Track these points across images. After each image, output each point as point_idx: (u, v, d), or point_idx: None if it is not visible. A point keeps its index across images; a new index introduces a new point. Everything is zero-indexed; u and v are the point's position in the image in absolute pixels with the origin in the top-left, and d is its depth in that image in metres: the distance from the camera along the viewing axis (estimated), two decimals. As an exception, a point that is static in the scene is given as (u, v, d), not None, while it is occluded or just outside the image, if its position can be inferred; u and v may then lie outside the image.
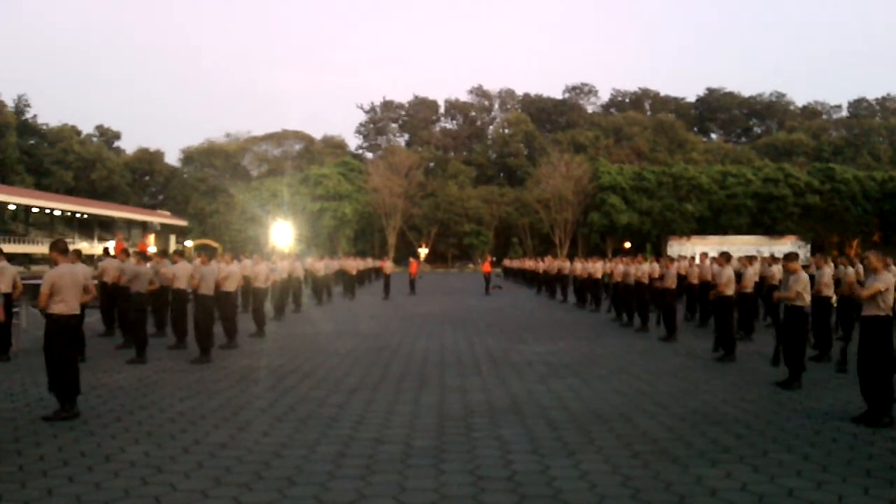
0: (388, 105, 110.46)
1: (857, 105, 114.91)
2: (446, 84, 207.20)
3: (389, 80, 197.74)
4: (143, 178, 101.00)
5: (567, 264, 29.45)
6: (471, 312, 21.81)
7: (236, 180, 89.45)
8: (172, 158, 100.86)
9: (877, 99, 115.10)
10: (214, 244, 59.58)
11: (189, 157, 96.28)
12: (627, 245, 71.06)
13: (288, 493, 5.02)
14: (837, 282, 13.36)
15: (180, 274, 12.41)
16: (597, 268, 22.48)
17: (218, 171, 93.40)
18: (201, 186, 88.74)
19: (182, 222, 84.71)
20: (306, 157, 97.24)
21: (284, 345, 13.52)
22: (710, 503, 4.83)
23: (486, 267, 34.93)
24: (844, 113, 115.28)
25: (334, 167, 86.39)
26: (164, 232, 79.18)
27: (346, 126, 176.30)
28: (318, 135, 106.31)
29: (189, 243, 70.32)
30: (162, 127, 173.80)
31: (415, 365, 11.00)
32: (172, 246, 70.10)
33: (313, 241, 73.42)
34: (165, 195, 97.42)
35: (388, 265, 32.32)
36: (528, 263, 42.25)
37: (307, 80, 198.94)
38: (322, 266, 26.28)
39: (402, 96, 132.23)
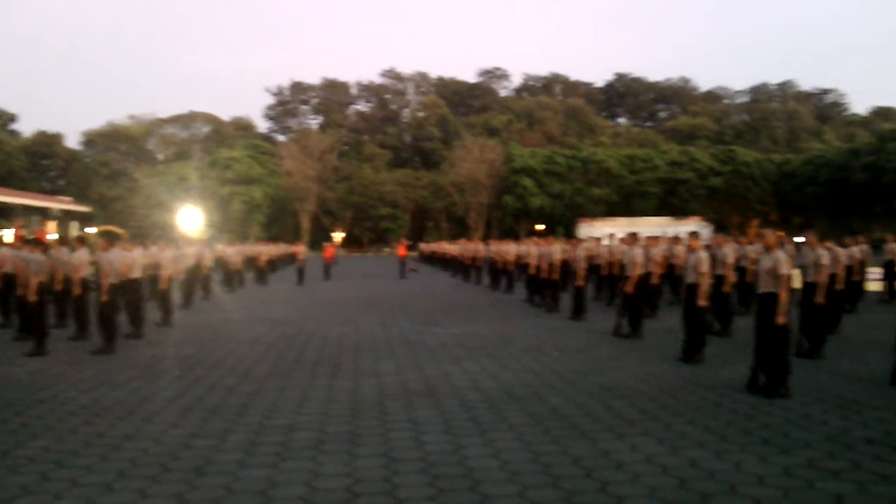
0: (297, 87, 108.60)
1: (759, 90, 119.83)
2: (357, 66, 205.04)
3: (298, 61, 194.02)
4: (41, 163, 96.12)
5: (481, 247, 29.78)
6: (386, 296, 21.79)
7: (141, 164, 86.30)
8: (73, 142, 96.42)
9: (777, 84, 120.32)
10: (119, 231, 57.40)
11: (91, 140, 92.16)
12: (541, 227, 72.27)
13: (197, 484, 4.92)
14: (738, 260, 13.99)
15: (81, 262, 11.92)
16: (510, 250, 22.77)
17: (122, 154, 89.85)
18: (104, 171, 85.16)
19: (84, 208, 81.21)
20: (215, 139, 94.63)
21: (193, 333, 13.19)
22: (616, 476, 4.98)
23: (402, 251, 34.94)
24: (746, 98, 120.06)
25: (244, 150, 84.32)
26: (65, 218, 75.77)
27: (255, 108, 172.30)
28: (226, 117, 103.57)
29: (92, 230, 67.54)
30: (62, 109, 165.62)
31: (329, 351, 10.92)
32: (74, 233, 67.22)
33: (223, 226, 71.70)
34: (66, 180, 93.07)
35: (301, 250, 31.90)
36: (445, 247, 42.46)
37: (215, 61, 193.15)
38: (232, 252, 25.74)
39: (312, 78, 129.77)
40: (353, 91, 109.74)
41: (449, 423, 6.43)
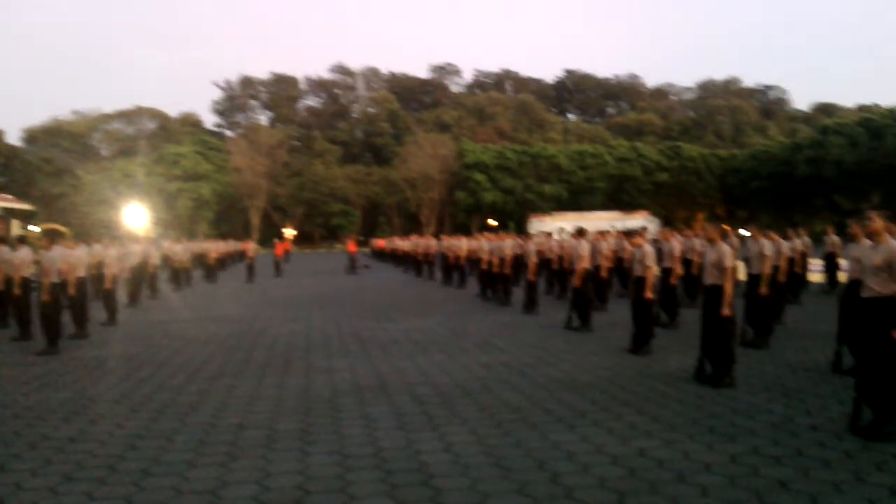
0: (246, 82, 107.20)
1: (704, 87, 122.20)
2: (306, 61, 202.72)
3: (246, 55, 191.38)
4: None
5: (434, 242, 29.80)
6: (338, 293, 21.65)
7: (86, 161, 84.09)
8: (14, 138, 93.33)
9: (722, 81, 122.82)
10: (62, 229, 55.92)
11: (33, 136, 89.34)
12: (493, 223, 72.61)
13: (144, 485, 4.82)
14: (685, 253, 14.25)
15: (23, 261, 11.58)
16: (462, 246, 22.83)
17: (65, 151, 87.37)
18: (47, 168, 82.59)
19: (26, 206, 78.84)
20: (161, 135, 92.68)
21: (139, 332, 12.92)
22: (567, 467, 5.04)
23: (351, 247, 34.70)
24: (692, 94, 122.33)
25: (192, 146, 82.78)
26: (6, 217, 73.45)
27: (203, 103, 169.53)
28: (173, 112, 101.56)
29: (35, 228, 65.66)
30: (1, 105, 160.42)
31: (280, 349, 10.80)
32: (16, 231, 65.25)
33: (171, 223, 70.42)
34: (7, 177, 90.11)
35: (251, 247, 31.50)
36: (397, 242, 42.37)
37: (160, 55, 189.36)
38: (180, 250, 25.28)
39: (261, 73, 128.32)
40: (303, 86, 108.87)
41: (401, 419, 6.42)
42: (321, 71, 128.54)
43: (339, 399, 7.27)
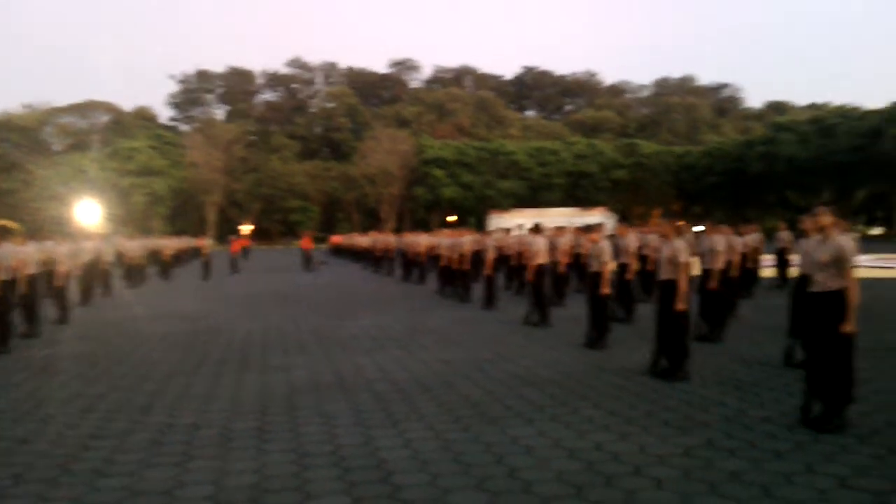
0: (202, 75, 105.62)
1: (661, 84, 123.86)
2: (263, 55, 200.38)
3: (203, 49, 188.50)
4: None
5: (393, 239, 29.72)
6: (296, 290, 21.48)
7: (36, 155, 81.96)
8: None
9: (678, 79, 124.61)
10: (13, 225, 54.51)
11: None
12: (452, 218, 72.72)
13: (98, 486, 4.73)
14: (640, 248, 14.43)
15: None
16: (421, 242, 22.81)
17: (15, 145, 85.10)
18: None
19: (-27, 202, 76.73)
20: (115, 129, 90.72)
21: (92, 331, 12.65)
22: (525, 461, 5.07)
23: (307, 243, 34.38)
24: (648, 92, 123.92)
25: (146, 141, 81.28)
26: (-47, 213, 71.35)
27: (158, 97, 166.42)
28: (127, 106, 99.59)
29: (-18, 225, 63.84)
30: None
31: (236, 346, 10.67)
32: (-39, 228, 63.32)
33: (124, 219, 69.09)
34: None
35: (206, 244, 31.05)
36: (356, 239, 42.17)
37: (114, 48, 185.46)
38: (133, 246, 24.82)
39: (217, 66, 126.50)
40: (260, 80, 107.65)
41: (360, 416, 6.39)
42: (278, 65, 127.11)
43: (297, 397, 7.21)
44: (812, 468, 4.82)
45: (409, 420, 6.20)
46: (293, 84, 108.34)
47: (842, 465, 4.88)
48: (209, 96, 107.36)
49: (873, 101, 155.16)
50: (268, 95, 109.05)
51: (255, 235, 78.88)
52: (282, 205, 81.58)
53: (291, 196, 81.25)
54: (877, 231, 73.50)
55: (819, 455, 5.08)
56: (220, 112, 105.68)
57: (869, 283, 17.72)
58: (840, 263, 5.72)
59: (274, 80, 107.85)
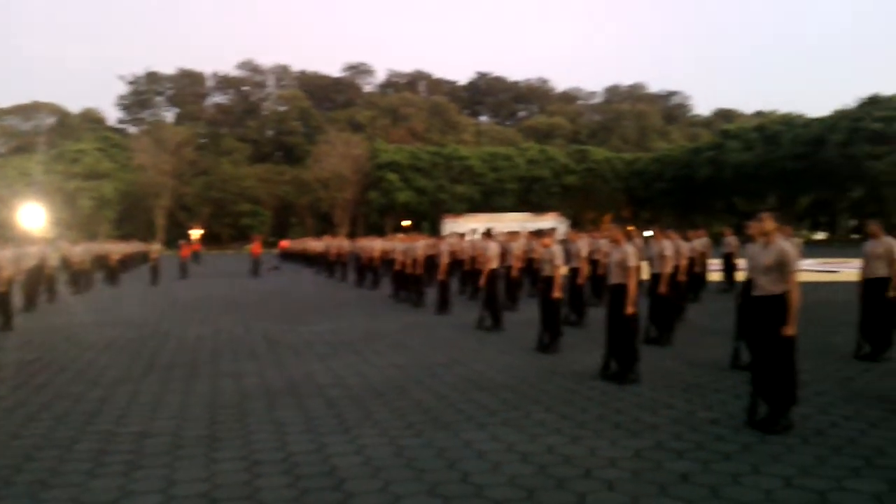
0: (152, 77, 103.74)
1: (611, 92, 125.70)
2: (214, 57, 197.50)
3: (152, 51, 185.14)
4: None
5: (347, 243, 29.57)
6: (247, 295, 21.22)
7: (-23, 158, 79.67)
8: None
9: (628, 86, 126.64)
10: (-49, 229, 52.78)
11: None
12: (406, 223, 72.63)
13: (42, 497, 4.60)
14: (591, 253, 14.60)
15: None
16: (375, 246, 22.74)
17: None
18: (-65, 165, 77.97)
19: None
20: (61, 131, 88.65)
21: (36, 338, 12.30)
22: (478, 466, 5.08)
23: (257, 248, 33.91)
24: (599, 99, 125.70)
25: (93, 143, 79.48)
26: None
27: (106, 99, 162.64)
28: (74, 108, 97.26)
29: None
30: None
31: (185, 353, 10.48)
32: None
33: (70, 224, 67.40)
34: None
35: (155, 248, 30.48)
36: (309, 243, 41.83)
37: (61, 48, 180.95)
38: (79, 251, 24.24)
39: (167, 68, 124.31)
40: (210, 83, 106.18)
41: (312, 422, 6.33)
42: (229, 67, 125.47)
43: (248, 404, 7.11)
44: (758, 469, 4.92)
45: (362, 426, 6.17)
46: (244, 87, 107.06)
47: (787, 465, 4.99)
48: (159, 98, 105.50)
49: (817, 109, 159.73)
50: (218, 98, 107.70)
51: (205, 240, 77.66)
52: (232, 209, 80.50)
53: (242, 200, 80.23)
54: (820, 236, 75.62)
55: (765, 456, 5.19)
56: (169, 114, 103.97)
57: (813, 287, 18.21)
58: (782, 268, 5.86)
59: (225, 82, 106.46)
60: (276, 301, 18.95)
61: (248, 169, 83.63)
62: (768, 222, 6.11)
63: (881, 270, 8.78)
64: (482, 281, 12.28)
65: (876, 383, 7.44)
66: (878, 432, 5.69)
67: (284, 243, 54.27)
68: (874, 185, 58.01)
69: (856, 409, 6.42)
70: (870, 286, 8.89)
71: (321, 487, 4.71)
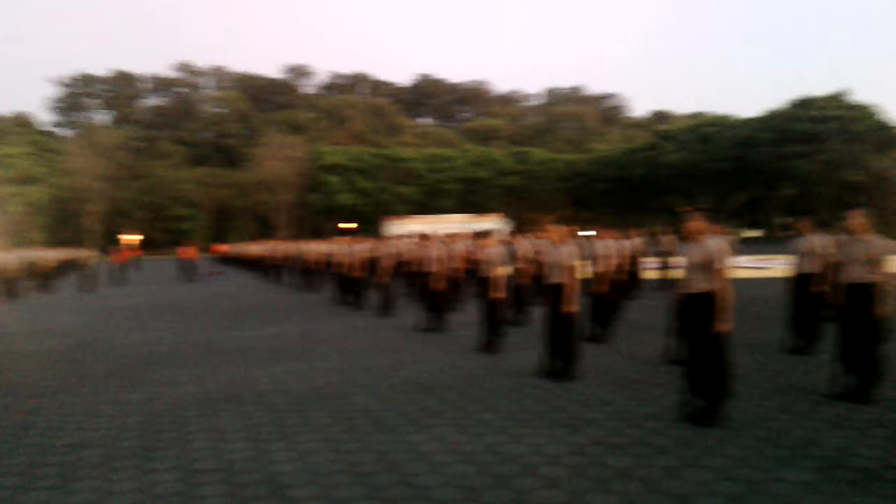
0: (85, 78, 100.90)
1: (551, 94, 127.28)
2: (149, 58, 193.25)
3: (86, 52, 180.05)
4: None
5: (287, 247, 29.24)
6: (185, 301, 20.78)
7: None
8: None
9: (567, 88, 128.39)
10: None
11: None
12: (349, 226, 72.18)
13: (-36, 517, 4.43)
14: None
15: None
16: (316, 250, 22.55)
17: None
18: None
19: None
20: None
21: (-38, 350, 11.84)
22: (420, 467, 5.08)
23: (191, 252, 33.20)
24: (539, 101, 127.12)
25: (24, 147, 76.83)
26: None
27: (37, 102, 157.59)
28: (3, 110, 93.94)
29: None
30: None
31: (120, 361, 10.21)
32: None
33: (0, 230, 65.01)
34: None
35: (89, 255, 29.64)
36: (248, 247, 41.22)
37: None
38: (10, 258, 23.41)
39: (101, 70, 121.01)
40: (146, 84, 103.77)
41: (252, 429, 6.24)
42: (165, 69, 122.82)
43: (185, 412, 6.97)
44: (694, 462, 5.04)
45: (303, 431, 6.11)
46: (181, 88, 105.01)
47: (722, 457, 5.12)
48: (92, 101, 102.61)
49: (749, 110, 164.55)
50: (154, 100, 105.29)
51: (141, 245, 75.82)
52: (169, 213, 78.81)
53: (180, 204, 78.62)
54: (753, 234, 77.83)
55: (700, 448, 5.32)
56: (103, 117, 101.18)
57: (746, 284, 18.74)
58: (712, 265, 6.02)
59: (161, 83, 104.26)
60: (216, 306, 18.61)
61: (185, 172, 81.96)
62: (695, 222, 6.27)
63: (810, 266, 9.09)
64: (425, 282, 12.29)
65: (806, 376, 7.69)
66: (808, 423, 5.89)
67: (219, 248, 53.18)
68: (804, 183, 60.03)
69: (787, 401, 6.63)
70: (799, 281, 9.19)
71: (261, 495, 4.65)
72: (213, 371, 9.19)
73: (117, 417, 6.84)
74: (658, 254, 19.11)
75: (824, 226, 11.48)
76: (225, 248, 51.81)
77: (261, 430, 6.19)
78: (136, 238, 73.96)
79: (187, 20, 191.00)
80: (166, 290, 26.22)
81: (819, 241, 9.14)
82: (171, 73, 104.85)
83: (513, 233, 15.18)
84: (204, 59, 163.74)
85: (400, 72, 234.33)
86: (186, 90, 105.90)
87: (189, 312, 17.21)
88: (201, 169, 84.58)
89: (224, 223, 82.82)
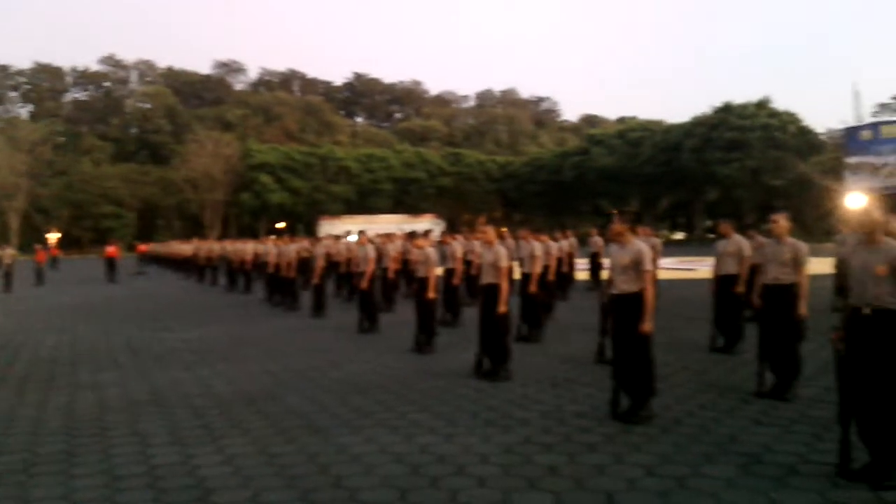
0: (4, 71, 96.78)
1: (484, 96, 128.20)
2: (73, 51, 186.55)
3: (5, 43, 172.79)
4: None
5: (217, 246, 28.69)
6: (109, 302, 20.18)
7: None
8: None
9: (500, 91, 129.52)
10: None
11: None
12: (281, 225, 71.20)
13: None
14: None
15: None
16: (247, 249, 22.19)
17: None
18: None
19: None
20: None
21: None
22: (351, 469, 5.05)
23: (113, 251, 32.16)
24: (473, 103, 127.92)
25: (-64, 142, 73.33)
26: None
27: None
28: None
29: None
30: None
31: (41, 364, 9.85)
32: None
33: None
34: None
35: (8, 253, 28.45)
36: (176, 246, 40.24)
37: None
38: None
39: (21, 62, 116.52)
40: (69, 78, 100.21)
41: (178, 433, 6.09)
42: (90, 62, 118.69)
43: (108, 416, 6.76)
44: (621, 459, 5.15)
45: (231, 435, 6.00)
46: (106, 82, 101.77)
47: (647, 454, 5.24)
48: (12, 94, 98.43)
49: (676, 116, 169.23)
50: (78, 94, 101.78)
51: (64, 244, 73.15)
52: (94, 211, 76.15)
53: (104, 202, 76.05)
54: (679, 236, 79.98)
55: (627, 446, 5.44)
56: (24, 111, 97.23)
57: (672, 284, 19.25)
58: (638, 267, 6.16)
59: (85, 77, 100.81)
60: (141, 307, 18.12)
61: (110, 169, 79.36)
62: (619, 224, 6.42)
63: (732, 268, 9.40)
64: (358, 282, 12.21)
65: (729, 374, 7.95)
66: (731, 420, 6.08)
67: (143, 247, 51.63)
68: (726, 187, 61.99)
69: (711, 399, 6.83)
70: (722, 282, 9.49)
71: (187, 500, 4.55)
72: (137, 374, 8.95)
73: (38, 422, 6.59)
74: (588, 255, 19.45)
75: (746, 228, 11.87)
76: (144, 247, 50.22)
77: (186, 434, 6.05)
78: (57, 236, 71.34)
79: (115, 13, 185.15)
80: (89, 290, 25.40)
81: (741, 243, 9.46)
82: (97, 67, 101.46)
83: (446, 233, 15.23)
84: (131, 53, 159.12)
85: (334, 70, 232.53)
86: (112, 85, 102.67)
87: (113, 313, 16.72)
88: (126, 165, 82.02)
89: (151, 222, 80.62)
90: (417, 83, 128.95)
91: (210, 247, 28.78)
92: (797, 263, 6.87)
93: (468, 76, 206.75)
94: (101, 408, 7.12)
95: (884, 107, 66.64)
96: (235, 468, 5.14)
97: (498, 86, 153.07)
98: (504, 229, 11.74)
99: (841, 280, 11.51)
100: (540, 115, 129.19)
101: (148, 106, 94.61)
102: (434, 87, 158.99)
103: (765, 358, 6.93)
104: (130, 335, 12.69)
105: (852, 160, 40.42)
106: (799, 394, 6.78)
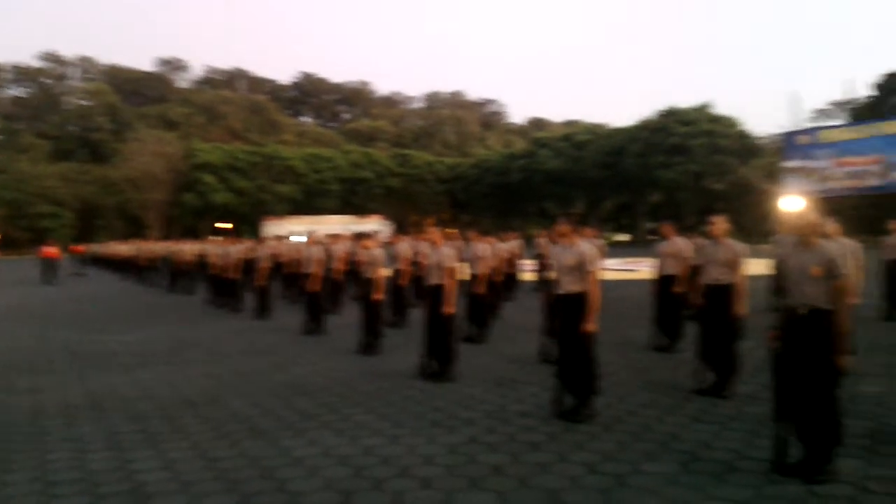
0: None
1: (432, 98, 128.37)
2: (9, 47, 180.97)
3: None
4: None
5: (158, 247, 28.11)
6: (46, 304, 19.58)
7: None
8: None
9: (448, 93, 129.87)
10: None
11: None
12: (226, 225, 70.04)
13: None
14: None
15: None
16: (189, 250, 21.80)
17: None
18: None
19: None
20: None
21: None
22: (294, 472, 5.00)
23: (52, 252, 31.14)
24: (421, 104, 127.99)
25: None
26: None
27: None
28: None
29: None
30: None
31: (-29, 368, 9.51)
32: None
33: None
34: None
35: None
36: (115, 247, 39.28)
37: None
38: None
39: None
40: (6, 74, 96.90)
41: (115, 438, 5.95)
42: (28, 58, 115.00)
43: (43, 421, 6.56)
44: (565, 457, 5.21)
45: (171, 440, 5.88)
46: (45, 79, 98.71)
47: (590, 452, 5.32)
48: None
49: (620, 119, 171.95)
50: (15, 90, 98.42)
51: (-2, 244, 70.81)
52: (31, 211, 73.77)
53: (42, 201, 73.75)
54: (623, 237, 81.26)
55: (571, 444, 5.51)
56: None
57: (615, 285, 19.55)
58: (582, 268, 6.25)
59: (22, 73, 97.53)
60: (79, 310, 17.63)
61: (48, 167, 76.95)
62: (563, 226, 6.50)
63: (672, 268, 9.59)
64: (304, 284, 12.10)
65: (670, 373, 8.11)
66: (672, 418, 6.20)
67: (78, 247, 50.13)
68: (669, 190, 63.25)
69: (652, 397, 6.96)
70: (663, 283, 9.68)
71: (125, 506, 4.45)
72: (74, 378, 8.70)
73: (-35, 429, 6.36)
74: (534, 256, 19.62)
75: (686, 230, 12.12)
76: (81, 248, 48.81)
77: (124, 439, 5.91)
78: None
79: (55, 8, 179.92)
80: (24, 291, 24.61)
81: (681, 245, 9.66)
82: (35, 63, 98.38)
83: (393, 234, 15.19)
84: (71, 49, 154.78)
85: (280, 69, 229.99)
86: (51, 81, 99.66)
87: (50, 315, 16.24)
88: (65, 164, 79.64)
89: (91, 222, 78.47)
90: (365, 83, 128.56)
91: (151, 247, 28.16)
92: (735, 264, 7.05)
93: (416, 77, 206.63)
94: (36, 412, 6.91)
95: (821, 112, 68.89)
96: (174, 473, 5.04)
97: (446, 87, 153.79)
98: (454, 230, 11.81)
99: (778, 280, 11.86)
100: (487, 117, 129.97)
101: (88, 103, 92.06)
102: (382, 87, 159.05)
103: (704, 356, 7.09)
104: (68, 338, 12.34)
105: (790, 164, 41.65)
106: (737, 391, 6.94)
